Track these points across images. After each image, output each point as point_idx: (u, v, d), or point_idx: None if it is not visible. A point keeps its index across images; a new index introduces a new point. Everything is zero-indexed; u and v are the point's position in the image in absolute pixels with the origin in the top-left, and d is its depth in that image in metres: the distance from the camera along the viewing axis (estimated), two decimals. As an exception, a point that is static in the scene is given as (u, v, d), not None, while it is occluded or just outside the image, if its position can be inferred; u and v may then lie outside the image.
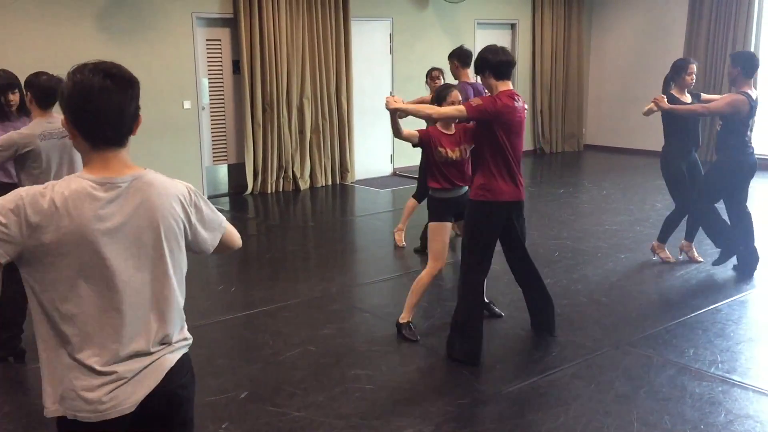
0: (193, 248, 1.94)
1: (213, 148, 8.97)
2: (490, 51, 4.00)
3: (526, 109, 4.12)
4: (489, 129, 3.96)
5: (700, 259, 5.99)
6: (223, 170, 9.85)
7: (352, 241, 7.37)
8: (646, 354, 4.23)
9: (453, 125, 4.42)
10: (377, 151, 10.36)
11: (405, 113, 4.06)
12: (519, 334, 4.58)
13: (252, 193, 9.09)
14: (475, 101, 3.98)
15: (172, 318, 1.85)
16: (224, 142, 9.11)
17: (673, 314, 4.84)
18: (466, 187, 4.40)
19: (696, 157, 5.82)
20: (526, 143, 12.35)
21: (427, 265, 4.40)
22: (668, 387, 3.80)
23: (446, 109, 4.10)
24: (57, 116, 3.95)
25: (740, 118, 5.39)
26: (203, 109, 8.76)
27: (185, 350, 1.93)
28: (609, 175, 10.25)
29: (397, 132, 4.17)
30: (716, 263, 5.79)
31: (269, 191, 9.19)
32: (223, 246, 2.05)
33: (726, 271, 5.76)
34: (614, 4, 12.21)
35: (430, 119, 4.60)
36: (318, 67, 9.34)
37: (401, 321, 4.52)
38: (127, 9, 7.97)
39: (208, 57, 8.77)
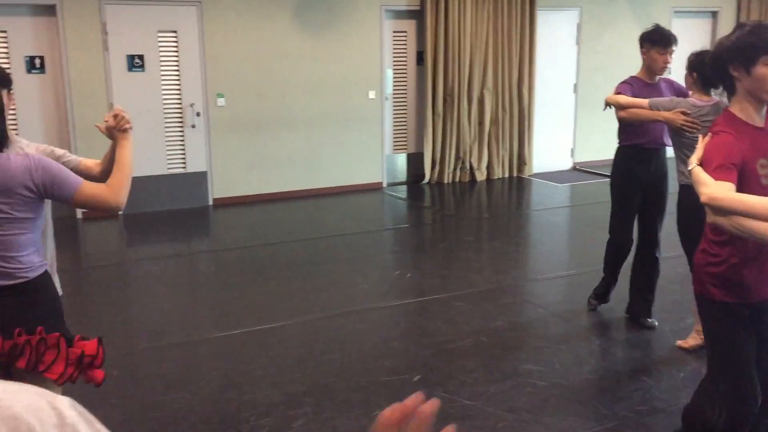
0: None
1: (394, 137, 9.22)
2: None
3: None
4: None
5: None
6: (402, 159, 10.08)
7: (527, 235, 7.28)
8: None
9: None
10: (557, 145, 10.12)
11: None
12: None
13: (429, 182, 9.24)
14: None
15: None
16: (405, 131, 9.33)
17: None
18: None
19: None
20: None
21: None
22: None
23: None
24: None
25: None
26: (386, 99, 9.03)
27: None
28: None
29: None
30: None
31: (446, 181, 9.28)
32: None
33: None
34: (836, -12, 10.97)
35: None
36: (501, 59, 9.28)
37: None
38: (321, 3, 8.39)
39: (393, 48, 9.02)
